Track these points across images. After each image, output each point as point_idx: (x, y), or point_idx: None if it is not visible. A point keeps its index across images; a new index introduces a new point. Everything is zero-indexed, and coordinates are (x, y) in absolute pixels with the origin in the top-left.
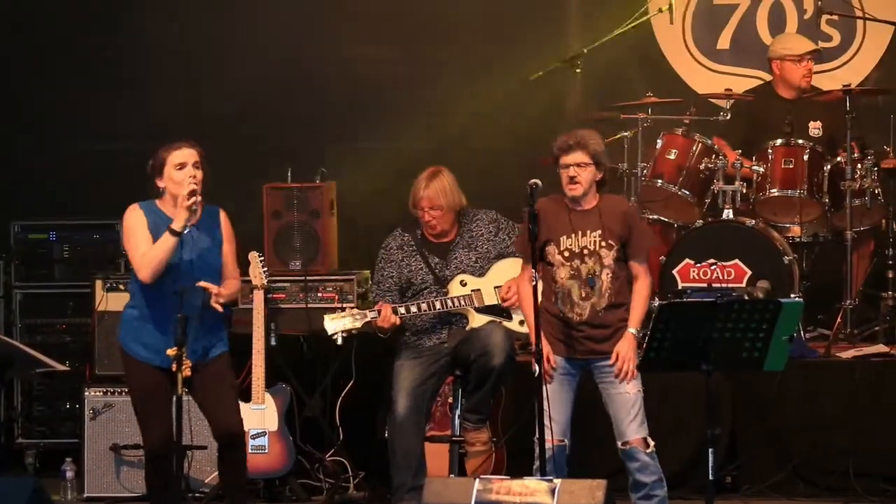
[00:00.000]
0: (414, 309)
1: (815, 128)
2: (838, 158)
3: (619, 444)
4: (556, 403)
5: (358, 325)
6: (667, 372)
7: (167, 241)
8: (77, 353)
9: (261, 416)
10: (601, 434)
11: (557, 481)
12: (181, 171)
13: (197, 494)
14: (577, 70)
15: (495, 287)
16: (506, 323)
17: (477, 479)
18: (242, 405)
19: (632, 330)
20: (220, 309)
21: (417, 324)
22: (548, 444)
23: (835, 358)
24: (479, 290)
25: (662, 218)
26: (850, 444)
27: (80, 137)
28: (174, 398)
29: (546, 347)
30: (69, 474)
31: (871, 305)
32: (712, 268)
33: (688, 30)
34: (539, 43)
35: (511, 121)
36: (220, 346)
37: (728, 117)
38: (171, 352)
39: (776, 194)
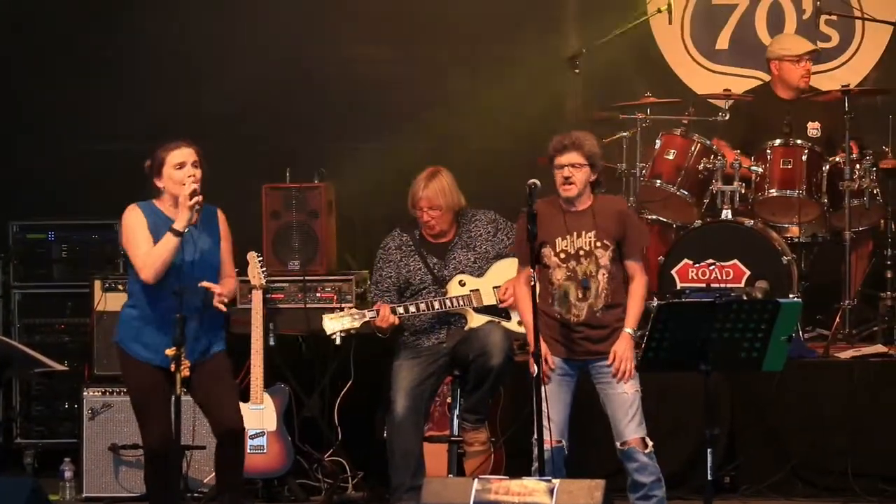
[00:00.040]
0: (413, 309)
1: (813, 128)
2: (837, 159)
3: (617, 444)
4: (554, 404)
5: (356, 324)
6: (665, 372)
7: (170, 241)
8: (76, 353)
9: (259, 416)
10: (599, 435)
11: (556, 481)
12: (180, 170)
13: (196, 494)
14: (577, 70)
15: (494, 287)
16: (504, 323)
17: (476, 480)
18: (241, 405)
19: (628, 330)
20: (223, 309)
21: (416, 324)
22: (546, 445)
23: (833, 358)
24: (477, 290)
25: (661, 218)
26: (848, 445)
27: (80, 137)
28: (173, 398)
29: (544, 348)
30: (68, 474)
31: (869, 306)
32: (711, 268)
33: (686, 30)
34: (539, 43)
35: (511, 121)
36: (218, 345)
37: (727, 118)
38: (169, 352)
39: (775, 194)
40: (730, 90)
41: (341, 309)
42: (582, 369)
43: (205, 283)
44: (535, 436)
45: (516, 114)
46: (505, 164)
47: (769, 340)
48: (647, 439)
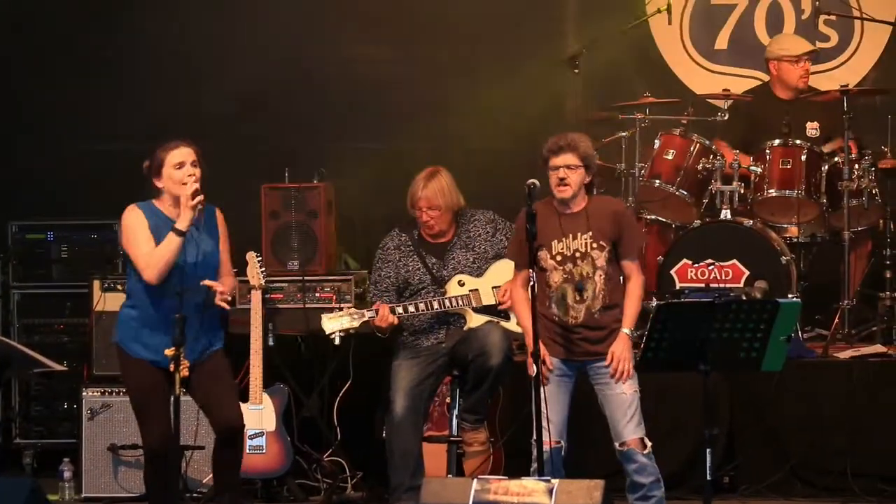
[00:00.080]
0: (412, 309)
1: (812, 128)
2: (836, 159)
3: (616, 445)
4: (552, 405)
5: (356, 324)
6: (664, 372)
7: (172, 241)
8: (75, 353)
9: (258, 416)
10: (598, 436)
11: (555, 481)
12: (180, 170)
13: (195, 494)
14: (576, 70)
15: (493, 287)
16: (503, 323)
17: (475, 480)
18: (241, 405)
19: (625, 330)
20: (227, 307)
21: (415, 324)
22: (545, 446)
23: (832, 358)
24: (476, 290)
25: (660, 218)
26: (847, 445)
27: (80, 137)
28: (172, 398)
29: (542, 349)
30: (67, 474)
31: (868, 306)
32: (710, 268)
33: (685, 30)
34: (539, 43)
35: (510, 121)
36: (216, 344)
37: (726, 118)
38: (168, 352)
39: (774, 194)
40: (729, 90)
41: (340, 309)
42: (580, 370)
43: (207, 282)
44: (535, 436)
45: (516, 114)
46: (505, 164)
47: (768, 340)
48: (646, 440)
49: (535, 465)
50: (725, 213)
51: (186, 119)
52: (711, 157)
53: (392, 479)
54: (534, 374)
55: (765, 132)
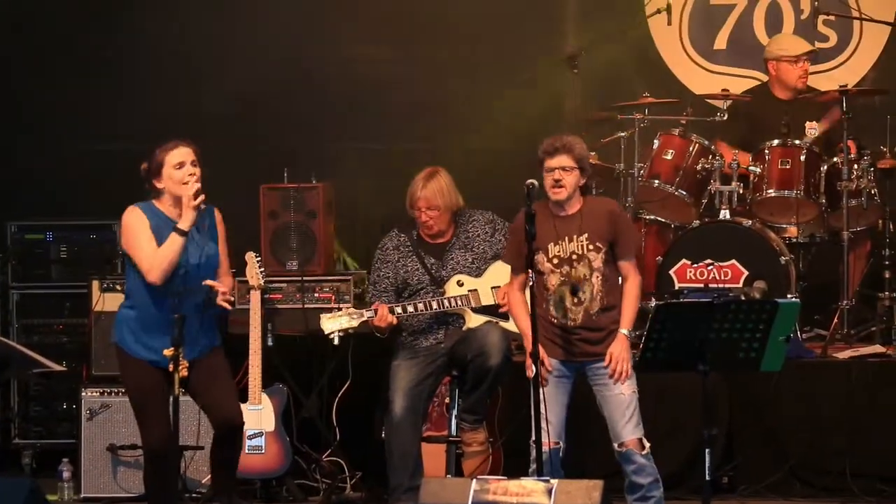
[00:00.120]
0: (411, 308)
1: (811, 128)
2: (835, 159)
3: (615, 445)
4: (551, 406)
5: (354, 324)
6: (663, 372)
7: (175, 241)
8: (74, 353)
9: (257, 416)
10: (596, 436)
11: (554, 482)
12: (180, 170)
13: (193, 495)
14: (575, 70)
15: (492, 287)
16: (502, 323)
17: (474, 480)
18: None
19: (623, 331)
20: (229, 307)
21: (414, 324)
22: (544, 448)
23: (831, 358)
24: (475, 290)
25: (659, 218)
26: (846, 445)
27: (80, 137)
28: (171, 398)
29: (541, 350)
30: (66, 475)
31: (867, 306)
32: (709, 268)
33: (684, 30)
34: (539, 43)
35: (510, 121)
36: (214, 341)
37: (725, 118)
38: (167, 352)
39: (773, 195)
40: (728, 90)
41: (339, 309)
42: (579, 371)
43: (209, 282)
44: (533, 437)
45: (516, 114)
46: (504, 164)
47: (767, 341)
48: (645, 440)
49: (533, 467)
50: (724, 214)
51: (186, 119)
52: (710, 157)
53: (391, 480)
54: (532, 376)
55: (764, 132)
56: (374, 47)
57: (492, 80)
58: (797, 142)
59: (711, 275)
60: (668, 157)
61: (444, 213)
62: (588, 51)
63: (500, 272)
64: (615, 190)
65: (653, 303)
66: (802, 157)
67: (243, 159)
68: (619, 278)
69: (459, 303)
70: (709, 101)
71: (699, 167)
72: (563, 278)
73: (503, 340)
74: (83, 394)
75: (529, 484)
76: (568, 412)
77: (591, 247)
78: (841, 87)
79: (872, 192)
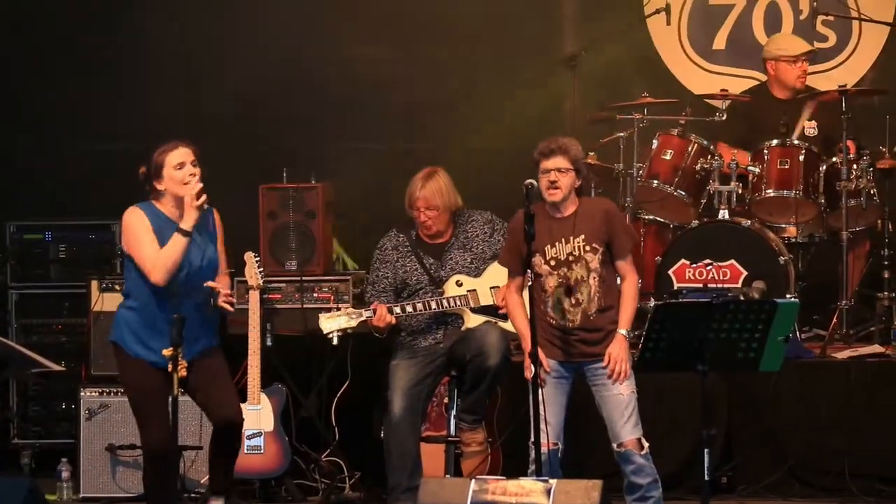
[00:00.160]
0: (409, 308)
1: (810, 128)
2: (834, 159)
3: (613, 446)
4: (550, 406)
5: (353, 324)
6: (662, 372)
7: (178, 241)
8: (73, 353)
9: (256, 416)
10: (595, 437)
11: (553, 482)
12: (181, 170)
13: (193, 495)
14: (575, 70)
15: (491, 288)
16: (501, 323)
17: (473, 480)
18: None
19: (622, 331)
20: (231, 309)
21: (413, 324)
22: (543, 448)
23: (830, 358)
24: (474, 290)
25: (658, 218)
26: (845, 445)
27: (80, 137)
28: (171, 399)
29: (539, 351)
30: (65, 475)
31: (866, 306)
32: (708, 268)
33: (683, 30)
34: (539, 43)
35: (510, 121)
36: (212, 342)
37: (724, 118)
38: (167, 352)
39: (772, 195)
40: (727, 90)
41: (338, 309)
42: (577, 371)
43: (211, 284)
44: (532, 438)
45: (516, 114)
46: (504, 164)
47: (766, 341)
48: (643, 440)
49: (532, 468)
50: (723, 214)
51: (186, 119)
52: (709, 157)
53: (390, 480)
54: (531, 377)
55: (763, 132)
56: (374, 47)
57: (492, 80)
58: (796, 142)
59: (710, 275)
60: (667, 157)
61: (442, 213)
62: (588, 51)
63: (499, 272)
64: (614, 190)
65: (652, 303)
66: (801, 157)
67: (243, 159)
68: (617, 279)
69: (458, 303)
70: (708, 101)
71: (698, 167)
72: (560, 280)
73: (502, 341)
74: (82, 394)
75: (528, 484)
76: (567, 413)
77: (587, 248)
78: (840, 87)
79: (871, 192)
